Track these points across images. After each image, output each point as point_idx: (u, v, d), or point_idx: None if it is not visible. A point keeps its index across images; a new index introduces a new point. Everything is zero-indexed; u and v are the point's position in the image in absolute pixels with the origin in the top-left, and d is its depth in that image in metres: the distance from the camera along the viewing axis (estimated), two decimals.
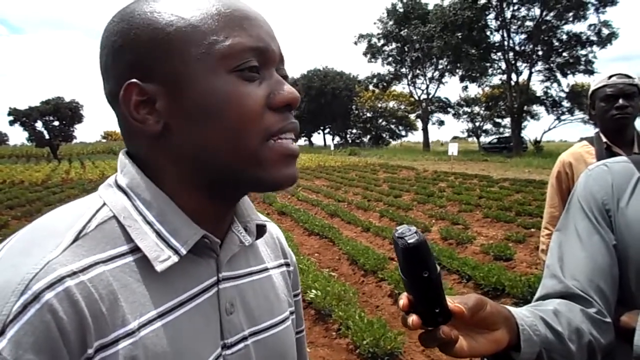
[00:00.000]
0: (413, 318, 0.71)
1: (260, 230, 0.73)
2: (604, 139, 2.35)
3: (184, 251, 0.59)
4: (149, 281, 0.57)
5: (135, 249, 0.58)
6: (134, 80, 0.59)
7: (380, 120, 60.13)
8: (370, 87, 56.44)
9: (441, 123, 55.70)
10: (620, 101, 2.23)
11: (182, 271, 0.60)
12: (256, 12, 0.63)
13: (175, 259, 0.58)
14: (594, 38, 37.97)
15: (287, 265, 0.83)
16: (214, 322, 0.64)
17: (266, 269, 0.76)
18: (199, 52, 0.58)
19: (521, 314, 0.87)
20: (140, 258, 0.58)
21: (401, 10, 48.16)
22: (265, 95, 0.60)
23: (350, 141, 62.05)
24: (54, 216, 0.59)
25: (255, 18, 0.62)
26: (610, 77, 2.29)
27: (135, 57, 0.59)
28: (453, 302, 0.74)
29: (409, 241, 0.66)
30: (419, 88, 53.21)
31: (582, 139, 2.58)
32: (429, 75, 51.50)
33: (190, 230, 0.60)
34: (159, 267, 0.57)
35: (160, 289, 0.58)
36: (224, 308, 0.65)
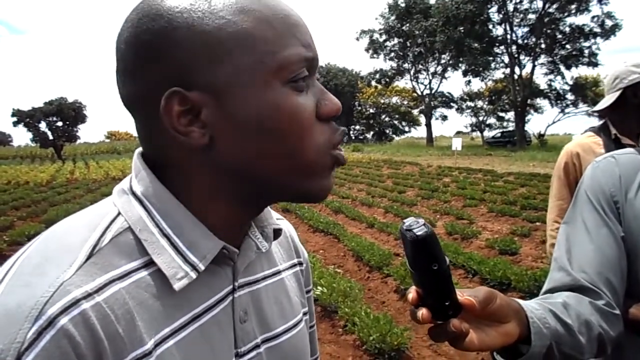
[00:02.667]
0: (423, 311, 0.69)
1: (277, 233, 0.71)
2: (613, 130, 2.32)
3: (202, 267, 0.57)
4: (165, 296, 0.56)
5: (150, 262, 0.56)
6: (177, 88, 0.54)
7: (383, 116, 60.10)
8: (373, 83, 56.42)
9: (444, 118, 55.66)
10: None
11: (199, 283, 0.58)
12: (299, 15, 0.60)
13: (193, 275, 0.56)
14: (597, 30, 37.88)
15: (300, 264, 0.81)
16: (228, 331, 0.62)
17: (279, 272, 0.75)
18: (253, 60, 0.54)
19: (531, 306, 0.87)
20: (156, 272, 0.56)
21: (403, 5, 47.98)
22: (314, 105, 0.59)
23: (353, 137, 61.95)
24: (67, 227, 0.56)
25: (301, 23, 0.59)
26: None
27: (178, 61, 0.54)
28: (463, 294, 0.73)
29: (417, 233, 0.64)
30: (422, 83, 53.35)
31: (587, 131, 2.55)
32: (432, 70, 51.55)
33: (208, 243, 0.58)
34: (177, 285, 0.55)
35: (176, 304, 0.56)
36: (238, 316, 0.63)
